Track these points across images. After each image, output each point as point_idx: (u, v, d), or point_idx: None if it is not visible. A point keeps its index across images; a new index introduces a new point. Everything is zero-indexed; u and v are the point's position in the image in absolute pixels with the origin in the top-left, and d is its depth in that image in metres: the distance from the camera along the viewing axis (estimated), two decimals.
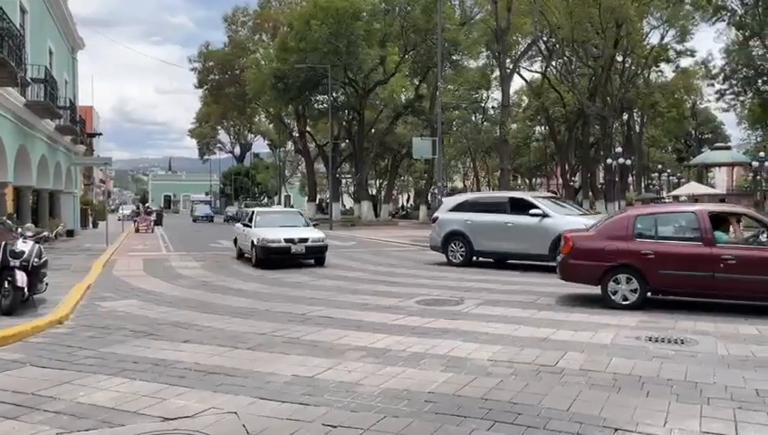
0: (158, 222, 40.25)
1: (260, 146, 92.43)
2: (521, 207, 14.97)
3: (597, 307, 9.49)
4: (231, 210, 56.94)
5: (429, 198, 45.74)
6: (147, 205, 64.07)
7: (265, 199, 72.85)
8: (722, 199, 35.53)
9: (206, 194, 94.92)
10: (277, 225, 16.79)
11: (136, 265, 16.74)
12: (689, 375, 5.84)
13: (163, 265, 16.84)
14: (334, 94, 42.77)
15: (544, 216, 14.35)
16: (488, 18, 41.56)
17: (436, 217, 17.03)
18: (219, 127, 73.97)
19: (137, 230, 34.32)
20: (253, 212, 18.26)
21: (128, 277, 13.91)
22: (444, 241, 16.27)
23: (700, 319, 8.46)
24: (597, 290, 9.84)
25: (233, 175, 79.42)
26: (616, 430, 4.48)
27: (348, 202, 66.59)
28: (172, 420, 4.75)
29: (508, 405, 5.03)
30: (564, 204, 16.77)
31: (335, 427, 4.58)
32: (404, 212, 59.35)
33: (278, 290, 11.88)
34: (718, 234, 9.16)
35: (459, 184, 77.54)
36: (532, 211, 14.52)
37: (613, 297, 9.41)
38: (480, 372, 6.01)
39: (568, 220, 13.82)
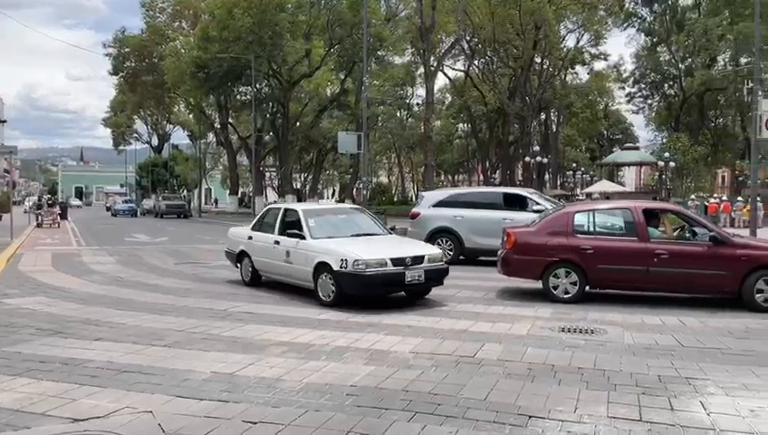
0: (63, 215, 36.84)
1: (179, 137, 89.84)
2: (516, 203, 14.60)
3: (518, 301, 9.82)
4: (148, 203, 54.84)
5: (355, 192, 45.84)
6: (50, 196, 59.69)
7: (185, 193, 70.64)
8: (654, 197, 37.32)
9: (122, 186, 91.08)
10: (348, 233, 10.10)
11: (44, 260, 15.84)
12: (598, 363, 6.14)
13: (74, 260, 16.02)
14: (258, 86, 42.03)
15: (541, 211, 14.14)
16: (413, 15, 41.99)
17: (417, 214, 15.44)
18: (136, 116, 70.98)
19: (39, 225, 30.02)
20: (293, 213, 10.53)
21: (34, 273, 13.14)
22: (428, 238, 14.26)
23: (609, 311, 8.88)
24: (536, 284, 10.05)
25: (150, 167, 76.49)
26: (530, 417, 4.66)
27: (272, 196, 65.65)
28: (83, 420, 4.54)
29: (428, 396, 5.12)
30: (549, 199, 16.49)
31: (255, 423, 4.52)
32: None
33: (198, 286, 11.57)
34: (651, 230, 9.59)
35: (384, 179, 78.10)
36: (536, 207, 13.92)
37: (554, 292, 9.65)
38: (402, 364, 6.09)
39: None
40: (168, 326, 7.83)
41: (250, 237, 11.30)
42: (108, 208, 61.04)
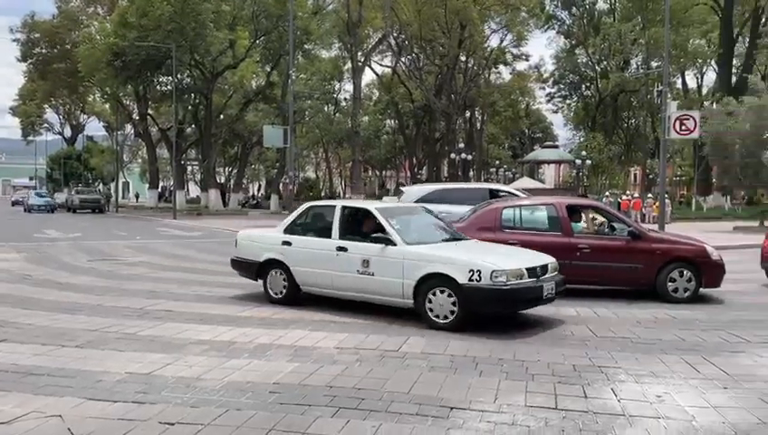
0: None
1: (94, 128, 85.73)
2: (500, 197, 14.40)
3: None
4: (60, 197, 51.96)
5: (281, 187, 45.25)
6: None
7: (100, 186, 67.54)
8: (582, 194, 38.51)
9: (31, 179, 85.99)
10: (437, 238, 8.46)
11: None
12: (518, 354, 6.32)
13: None
14: (179, 76, 40.65)
15: None
16: (340, 9, 41.84)
17: None
18: (47, 105, 67.12)
19: None
20: (362, 212, 8.71)
21: None
22: None
23: None
24: None
25: (62, 159, 72.57)
26: (452, 408, 4.73)
27: (194, 190, 63.81)
28: None
29: (353, 391, 5.11)
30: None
31: (173, 424, 4.37)
32: (255, 202, 58.06)
33: (113, 283, 11.07)
34: (574, 224, 9.95)
35: (312, 174, 77.52)
36: None
37: None
38: (326, 360, 6.05)
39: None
40: (80, 326, 7.46)
41: (287, 243, 8.80)
42: (15, 203, 57.42)
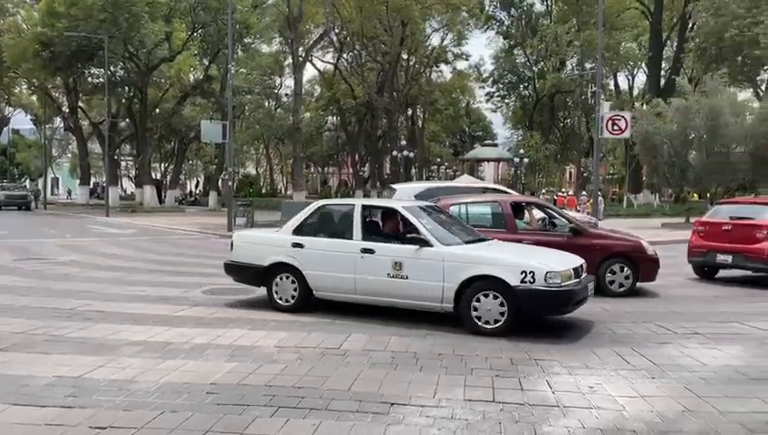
0: None
1: (21, 121, 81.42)
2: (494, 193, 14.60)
3: None
4: None
5: (220, 184, 44.35)
6: None
7: (27, 182, 64.48)
8: (532, 193, 39.19)
9: None
10: (463, 239, 8.01)
11: None
12: (457, 350, 6.40)
13: None
14: (112, 68, 39.21)
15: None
16: (281, 4, 41.30)
17: None
18: None
19: None
20: (386, 211, 8.56)
21: None
22: None
23: None
24: None
25: None
26: (392, 404, 4.75)
27: (129, 187, 61.78)
28: None
29: (292, 390, 5.06)
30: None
31: (104, 428, 4.22)
32: (192, 198, 56.72)
33: (41, 283, 10.58)
34: (517, 221, 10.14)
35: (252, 171, 76.36)
36: None
37: None
38: (266, 359, 5.97)
39: (571, 215, 14.75)
40: (4, 328, 7.09)
41: (299, 245, 8.07)
42: None
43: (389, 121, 47.01)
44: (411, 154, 48.52)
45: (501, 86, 59.66)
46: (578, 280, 7.18)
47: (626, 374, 5.63)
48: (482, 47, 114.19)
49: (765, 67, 38.54)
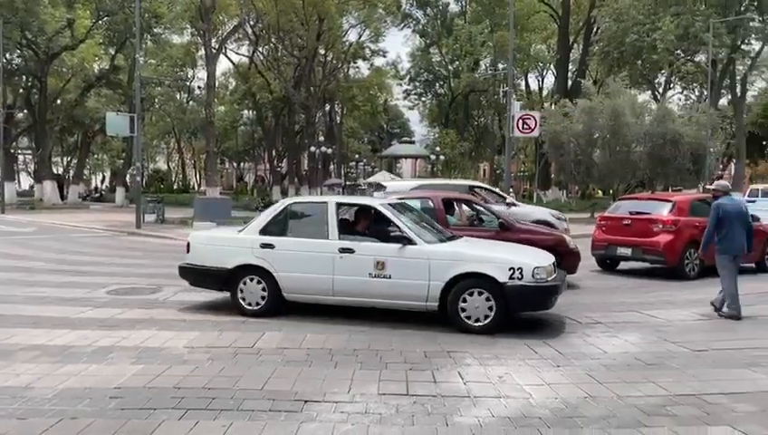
0: None
1: None
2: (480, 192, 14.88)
3: None
4: None
5: (128, 179, 42.50)
6: None
7: None
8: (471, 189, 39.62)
9: None
10: (439, 237, 7.94)
11: None
12: (372, 344, 6.43)
13: None
14: (7, 56, 36.61)
15: (512, 204, 14.46)
16: None
17: None
18: None
19: None
20: (361, 208, 8.31)
21: None
22: None
23: None
24: None
25: None
26: (306, 401, 4.71)
27: (27, 182, 57.97)
28: None
29: (202, 391, 4.92)
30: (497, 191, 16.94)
31: None
32: (98, 194, 53.93)
33: None
34: (449, 217, 10.27)
35: (163, 166, 73.62)
36: (508, 200, 14.59)
37: None
38: (175, 360, 5.77)
39: (533, 209, 15.08)
40: None
41: (268, 245, 7.64)
42: None
43: (307, 117, 46.57)
44: (329, 150, 48.33)
45: (418, 84, 60.43)
46: (556, 275, 7.35)
47: (533, 363, 5.85)
48: (399, 45, 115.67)
49: (662, 71, 41.14)
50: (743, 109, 43.03)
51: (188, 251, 8.18)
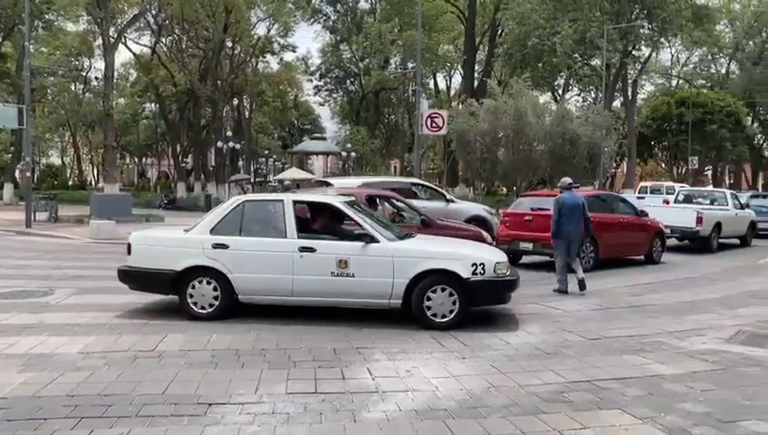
0: None
1: None
2: (426, 192, 15.09)
3: None
4: None
5: (18, 174, 39.72)
6: None
7: None
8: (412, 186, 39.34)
9: None
10: (396, 235, 7.92)
11: None
12: (281, 343, 6.33)
13: None
14: None
15: (451, 201, 14.73)
16: None
17: None
18: None
19: None
20: (319, 206, 8.09)
21: None
22: None
23: None
24: None
25: None
26: (210, 404, 4.57)
27: None
28: None
29: (98, 398, 4.66)
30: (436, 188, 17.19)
31: None
32: None
33: None
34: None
35: (56, 160, 69.27)
36: (449, 197, 14.99)
37: None
38: (68, 367, 5.43)
39: (468, 205, 15.36)
40: None
41: (221, 245, 7.24)
42: None
43: (214, 111, 45.18)
44: (238, 146, 47.19)
45: (328, 80, 60.13)
46: (512, 270, 7.59)
47: (440, 356, 5.97)
48: (309, 40, 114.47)
49: (561, 73, 43.20)
50: (633, 111, 46.01)
51: (129, 253, 7.59)
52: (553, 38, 35.76)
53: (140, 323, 7.11)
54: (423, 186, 16.06)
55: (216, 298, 7.29)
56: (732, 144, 46.95)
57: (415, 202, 12.70)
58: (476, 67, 48.77)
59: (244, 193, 25.39)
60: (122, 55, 60.92)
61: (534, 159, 28.12)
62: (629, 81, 44.79)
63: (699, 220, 15.91)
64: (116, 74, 44.34)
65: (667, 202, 21.15)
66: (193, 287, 7.28)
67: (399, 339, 6.57)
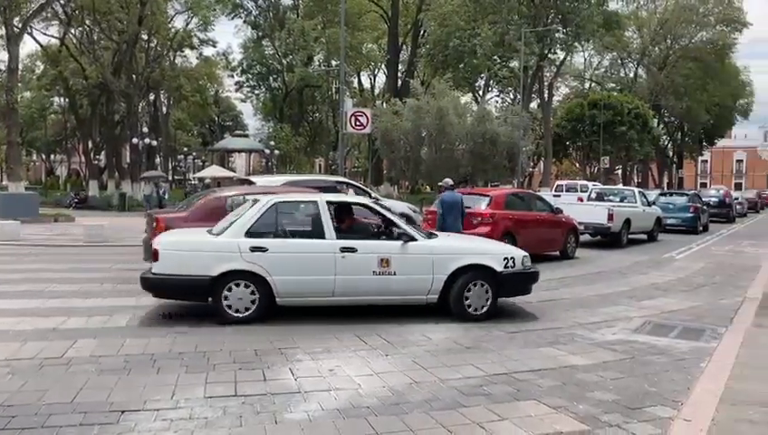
0: None
1: None
2: (348, 189, 14.53)
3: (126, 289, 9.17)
4: None
5: None
6: None
7: None
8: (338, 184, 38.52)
9: None
10: (424, 233, 8.41)
11: None
12: (200, 346, 6.15)
13: None
14: None
15: (375, 199, 14.29)
16: None
17: None
18: None
19: None
20: (342, 207, 8.11)
21: None
22: None
23: None
24: None
25: None
26: (123, 412, 4.38)
27: None
28: None
29: (0, 409, 4.36)
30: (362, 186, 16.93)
31: None
32: None
33: None
34: None
35: None
36: (374, 195, 14.61)
37: None
38: None
39: (393, 203, 15.18)
40: None
41: (259, 248, 7.04)
42: None
43: (128, 106, 43.31)
44: (155, 142, 45.55)
45: (250, 76, 58.90)
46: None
47: (363, 354, 5.98)
48: (230, 35, 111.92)
49: (482, 75, 44.28)
50: (549, 112, 47.80)
51: (156, 259, 7.07)
52: (474, 40, 36.60)
53: (47, 329, 6.73)
54: (348, 184, 16.08)
55: (252, 302, 7.09)
56: (639, 144, 49.68)
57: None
58: (400, 67, 49.17)
59: (159, 190, 24.64)
60: (28, 46, 57.64)
61: (456, 158, 28.72)
62: (546, 83, 46.52)
63: (610, 217, 16.74)
64: (21, 66, 41.86)
65: (581, 200, 22.10)
66: (229, 291, 7.03)
67: (322, 338, 6.53)
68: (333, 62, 49.10)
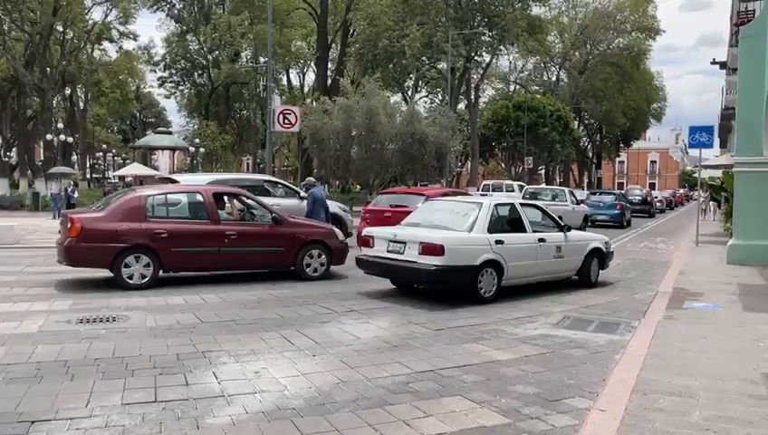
0: None
1: None
2: (276, 188, 15.02)
3: (37, 292, 8.68)
4: None
5: None
6: None
7: None
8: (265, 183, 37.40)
9: None
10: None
11: None
12: (117, 351, 5.90)
13: None
14: None
15: (305, 198, 14.24)
16: None
17: None
18: None
19: None
20: (520, 207, 10.01)
21: None
22: None
23: (134, 295, 8.67)
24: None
25: None
26: (33, 422, 4.14)
27: None
28: None
29: None
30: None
31: None
32: None
33: None
34: (219, 212, 9.97)
35: None
36: (302, 194, 14.65)
37: (129, 280, 9.13)
38: None
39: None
40: None
41: (500, 241, 8.83)
42: None
43: (42, 101, 41.12)
44: (71, 139, 43.43)
45: (174, 72, 57.12)
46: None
47: (290, 355, 5.90)
48: (153, 29, 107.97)
49: (411, 75, 44.70)
50: (476, 113, 48.86)
51: (443, 254, 8.26)
52: (403, 41, 36.89)
53: None
54: (276, 183, 15.91)
55: (493, 285, 8.80)
56: (561, 145, 51.59)
57: (268, 200, 12.44)
58: (330, 65, 49.02)
59: (67, 189, 23.58)
60: None
61: (386, 158, 28.88)
62: (473, 85, 47.48)
63: None
64: None
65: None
66: (482, 276, 8.65)
67: (248, 340, 6.41)
68: (261, 59, 48.33)
